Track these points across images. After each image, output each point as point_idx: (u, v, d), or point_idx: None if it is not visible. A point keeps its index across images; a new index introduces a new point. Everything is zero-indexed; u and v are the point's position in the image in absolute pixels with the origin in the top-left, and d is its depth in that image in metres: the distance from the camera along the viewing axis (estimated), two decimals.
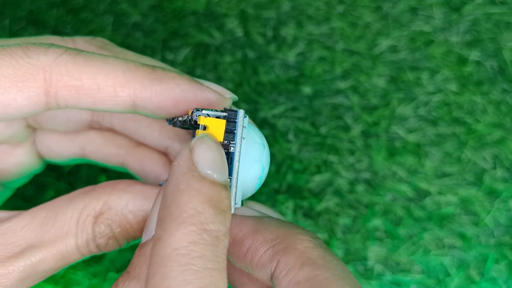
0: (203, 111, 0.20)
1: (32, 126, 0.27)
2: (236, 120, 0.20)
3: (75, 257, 0.21)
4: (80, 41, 0.26)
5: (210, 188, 0.17)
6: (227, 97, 0.23)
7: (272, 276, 0.19)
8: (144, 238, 0.19)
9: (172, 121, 0.22)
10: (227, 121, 0.20)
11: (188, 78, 0.22)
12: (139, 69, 0.20)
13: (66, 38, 0.25)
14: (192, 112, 0.20)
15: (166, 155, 0.27)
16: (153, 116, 0.22)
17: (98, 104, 0.20)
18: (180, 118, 0.21)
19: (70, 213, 0.21)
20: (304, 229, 0.20)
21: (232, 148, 0.20)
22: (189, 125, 0.21)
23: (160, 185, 0.23)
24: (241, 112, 0.20)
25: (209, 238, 0.16)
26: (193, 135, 0.22)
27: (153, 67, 0.21)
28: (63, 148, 0.28)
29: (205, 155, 0.18)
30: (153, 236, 0.18)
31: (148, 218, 0.20)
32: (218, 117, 0.20)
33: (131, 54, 0.26)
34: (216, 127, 0.20)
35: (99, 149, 0.28)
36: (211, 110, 0.20)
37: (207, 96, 0.22)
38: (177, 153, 0.18)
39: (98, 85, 0.20)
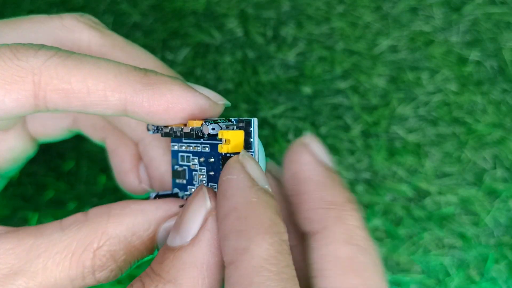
0: (214, 124, 0.20)
1: None
2: (251, 129, 0.20)
3: None
4: (68, 18, 0.25)
5: (272, 199, 0.18)
6: (220, 103, 0.22)
7: (311, 233, 0.20)
8: (178, 242, 0.19)
9: (156, 130, 0.22)
10: (245, 132, 0.20)
11: (181, 83, 0.21)
12: (130, 73, 0.20)
13: (52, 16, 0.24)
14: (202, 124, 0.20)
15: (137, 146, 0.27)
16: (144, 121, 0.21)
17: (88, 108, 0.20)
18: (164, 129, 0.21)
19: (63, 244, 0.19)
20: (356, 204, 0.21)
21: None
22: (195, 137, 0.21)
23: (155, 197, 0.22)
24: (255, 121, 0.20)
25: (286, 247, 0.17)
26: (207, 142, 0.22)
27: (145, 71, 0.20)
28: (56, 121, 0.27)
29: (255, 171, 0.19)
30: (232, 248, 0.17)
31: (183, 222, 0.19)
32: (234, 128, 0.20)
33: (120, 39, 0.25)
34: (235, 138, 0.20)
35: (89, 119, 0.28)
36: (221, 120, 0.20)
37: (199, 102, 0.21)
38: (226, 167, 0.19)
39: (88, 89, 0.19)
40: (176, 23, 0.45)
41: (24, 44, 0.19)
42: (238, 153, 0.20)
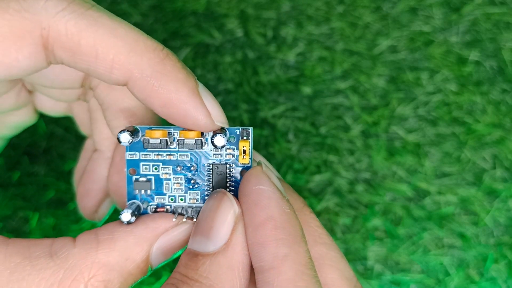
0: (219, 135, 0.20)
1: (30, 91, 0.26)
2: (250, 137, 0.21)
3: None
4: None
5: (294, 210, 0.19)
6: (217, 124, 0.20)
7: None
8: (211, 247, 0.19)
9: (135, 140, 0.21)
10: (247, 140, 0.21)
11: (192, 87, 0.19)
12: (146, 55, 0.18)
13: None
14: (215, 135, 0.20)
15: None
16: (139, 101, 0.20)
17: (92, 73, 0.19)
18: (150, 140, 0.21)
19: (49, 272, 0.18)
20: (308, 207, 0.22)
21: (249, 162, 0.21)
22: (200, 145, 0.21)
23: (132, 215, 0.21)
24: (251, 129, 0.21)
25: (309, 253, 0.19)
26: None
27: (164, 55, 0.19)
28: (56, 103, 0.27)
29: (277, 182, 0.20)
30: (272, 254, 0.18)
31: (214, 228, 0.19)
32: (239, 138, 0.21)
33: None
34: (242, 146, 0.21)
35: (81, 112, 0.27)
36: (226, 130, 0.21)
37: (197, 115, 0.19)
38: (252, 177, 0.19)
39: (96, 55, 0.18)
40: (177, 24, 0.45)
41: None
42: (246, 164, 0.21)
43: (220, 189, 0.21)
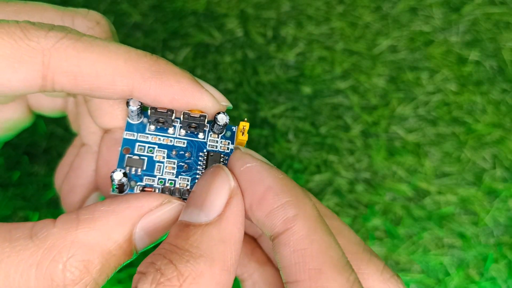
0: (225, 113, 0.22)
1: None
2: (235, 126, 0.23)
3: None
4: (78, 21, 0.24)
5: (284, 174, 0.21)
6: (223, 104, 0.22)
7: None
8: (203, 218, 0.19)
9: (140, 114, 0.21)
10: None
11: (190, 77, 0.21)
12: (141, 60, 0.20)
13: (65, 11, 0.24)
14: (218, 113, 0.21)
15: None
16: (147, 105, 0.21)
17: (95, 91, 0.20)
18: (156, 114, 0.21)
19: (28, 253, 0.17)
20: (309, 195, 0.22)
21: None
22: (217, 131, 0.22)
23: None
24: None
25: (316, 207, 0.20)
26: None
27: (156, 58, 0.20)
28: (52, 101, 0.27)
29: (260, 156, 0.21)
30: (282, 219, 0.19)
31: (207, 199, 0.19)
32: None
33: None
34: (243, 125, 0.22)
35: (73, 109, 0.28)
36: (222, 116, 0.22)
37: (204, 99, 0.21)
38: (236, 159, 0.20)
39: (97, 73, 0.19)
40: (177, 23, 0.45)
41: (34, 23, 0.19)
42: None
43: (217, 164, 0.21)
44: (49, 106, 0.28)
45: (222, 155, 0.22)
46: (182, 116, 0.21)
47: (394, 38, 0.45)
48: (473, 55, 0.45)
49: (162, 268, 0.17)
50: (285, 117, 0.42)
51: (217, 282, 0.18)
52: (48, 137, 0.39)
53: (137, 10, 0.45)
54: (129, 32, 0.44)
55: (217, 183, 0.20)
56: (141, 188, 0.21)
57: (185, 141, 0.22)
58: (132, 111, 0.21)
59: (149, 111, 0.21)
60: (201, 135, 0.22)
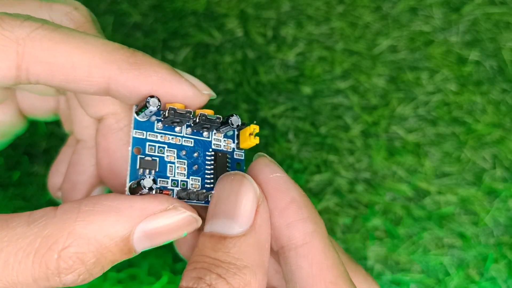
0: (237, 116, 0.22)
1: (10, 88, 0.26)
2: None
3: None
4: (57, 11, 0.23)
5: None
6: (205, 93, 0.22)
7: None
8: (237, 229, 0.19)
9: (146, 111, 0.21)
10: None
11: (168, 67, 0.20)
12: (118, 52, 0.19)
13: (42, 3, 0.23)
14: (230, 116, 0.21)
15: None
16: (125, 102, 0.21)
17: (71, 83, 0.19)
18: (170, 116, 0.21)
19: (26, 241, 0.17)
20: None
21: None
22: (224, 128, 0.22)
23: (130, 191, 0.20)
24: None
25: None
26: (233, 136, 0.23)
27: (133, 50, 0.20)
28: (43, 102, 0.27)
29: (282, 169, 0.22)
30: (302, 232, 0.20)
31: (239, 210, 0.20)
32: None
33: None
34: (253, 128, 0.22)
35: (66, 108, 0.27)
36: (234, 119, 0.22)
37: (184, 89, 0.21)
38: (264, 166, 0.21)
39: (73, 64, 0.19)
40: (177, 23, 0.45)
41: (9, 14, 0.19)
42: (226, 151, 0.22)
43: (236, 171, 0.21)
44: (41, 107, 0.27)
45: (228, 155, 0.22)
46: (198, 117, 0.21)
47: (394, 38, 0.45)
48: (473, 55, 0.45)
49: (214, 283, 0.18)
50: (285, 117, 0.42)
51: (261, 285, 0.19)
52: (48, 137, 0.39)
53: (137, 10, 0.45)
54: (129, 32, 0.44)
55: (244, 192, 0.20)
56: (158, 191, 0.21)
57: (192, 140, 0.22)
58: (151, 112, 0.20)
59: (167, 111, 0.20)
60: (205, 134, 0.22)
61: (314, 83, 0.43)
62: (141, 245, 0.19)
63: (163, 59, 0.43)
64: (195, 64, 0.43)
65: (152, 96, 0.20)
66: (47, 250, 0.18)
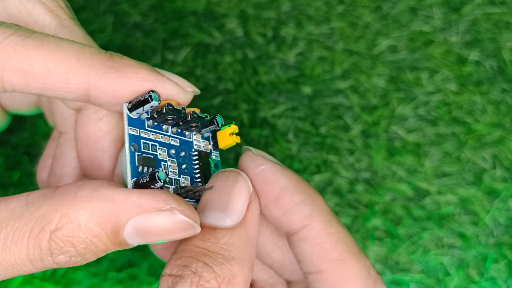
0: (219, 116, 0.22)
1: None
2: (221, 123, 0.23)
3: (28, 269, 0.18)
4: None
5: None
6: (189, 90, 0.21)
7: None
8: (229, 222, 0.20)
9: (153, 117, 0.21)
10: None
11: (148, 67, 0.20)
12: (94, 56, 0.19)
13: None
14: (214, 116, 0.21)
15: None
16: (107, 107, 0.20)
17: (48, 91, 0.19)
18: (163, 114, 0.20)
19: (23, 221, 0.17)
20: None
21: None
22: (205, 128, 0.22)
23: (133, 184, 0.20)
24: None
25: (324, 200, 0.22)
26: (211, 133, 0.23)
27: (110, 54, 0.19)
28: (23, 97, 0.27)
29: (271, 157, 0.22)
30: (300, 217, 0.21)
31: (232, 205, 0.20)
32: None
33: (79, 32, 0.23)
34: (234, 129, 0.22)
35: (49, 101, 0.27)
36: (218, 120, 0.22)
37: (166, 87, 0.20)
38: (249, 160, 0.21)
39: (48, 71, 0.18)
40: (176, 23, 0.45)
41: None
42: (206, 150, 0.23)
43: (231, 168, 0.22)
44: (22, 102, 0.27)
45: (209, 156, 0.23)
46: (190, 115, 0.21)
47: (394, 38, 0.45)
48: (473, 55, 0.45)
49: (200, 271, 0.18)
50: (285, 117, 0.42)
51: (246, 280, 0.19)
52: (48, 137, 0.39)
53: (137, 10, 0.45)
54: (129, 32, 0.44)
55: (238, 188, 0.21)
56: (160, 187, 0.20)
57: (178, 140, 0.22)
58: (151, 106, 0.20)
59: (164, 108, 0.20)
60: (187, 134, 0.22)
61: (314, 83, 0.43)
62: (133, 240, 0.19)
63: (163, 59, 0.43)
64: (195, 64, 0.43)
65: (152, 91, 0.20)
66: (41, 230, 0.17)
